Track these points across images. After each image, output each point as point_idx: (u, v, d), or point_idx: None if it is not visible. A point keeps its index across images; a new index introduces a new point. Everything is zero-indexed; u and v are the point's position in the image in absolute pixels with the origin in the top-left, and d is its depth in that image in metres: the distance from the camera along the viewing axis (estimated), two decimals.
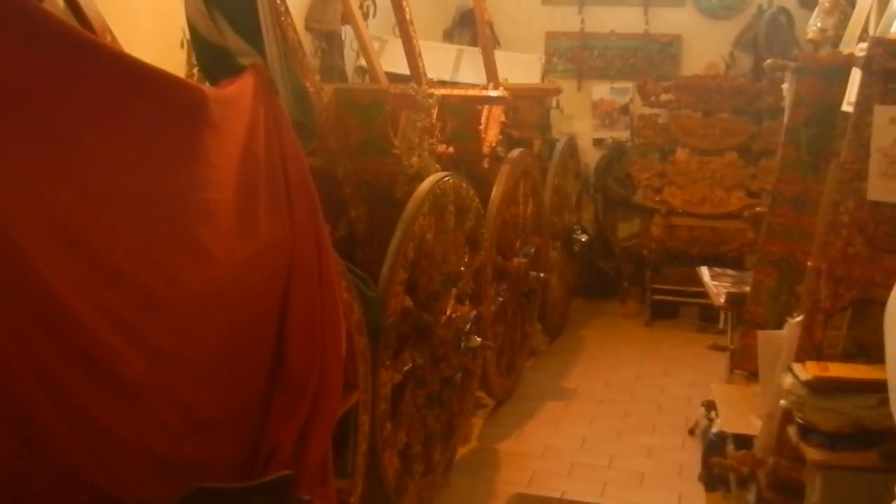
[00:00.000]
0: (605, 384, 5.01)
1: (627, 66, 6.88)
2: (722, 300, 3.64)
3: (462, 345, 3.40)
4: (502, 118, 4.74)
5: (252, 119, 2.13)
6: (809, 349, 2.44)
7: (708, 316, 6.37)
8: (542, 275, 4.83)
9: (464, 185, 3.59)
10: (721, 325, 6.22)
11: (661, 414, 4.59)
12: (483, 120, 4.66)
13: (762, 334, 2.79)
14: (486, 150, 4.56)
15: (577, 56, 6.93)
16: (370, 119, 3.29)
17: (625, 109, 6.94)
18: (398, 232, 3.00)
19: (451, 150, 4.20)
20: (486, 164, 4.55)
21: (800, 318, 2.49)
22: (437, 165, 3.86)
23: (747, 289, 3.77)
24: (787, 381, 2.32)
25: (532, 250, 4.90)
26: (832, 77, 3.13)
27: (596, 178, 7.02)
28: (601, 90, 6.95)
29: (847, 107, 2.81)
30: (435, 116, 4.10)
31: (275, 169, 2.17)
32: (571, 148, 6.11)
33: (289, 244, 2.14)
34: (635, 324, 6.38)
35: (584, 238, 5.94)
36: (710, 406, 3.55)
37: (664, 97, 6.35)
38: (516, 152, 4.67)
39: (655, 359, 5.53)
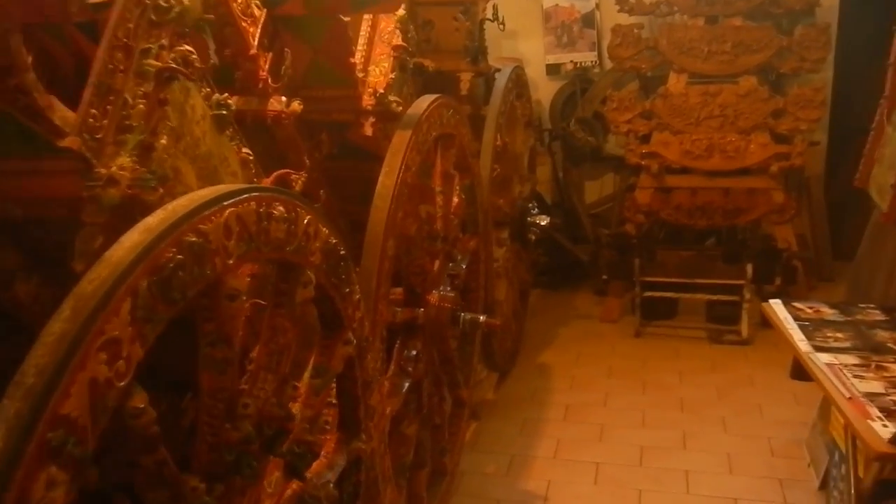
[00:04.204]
0: (592, 478, 3.04)
1: None
2: (886, 439, 1.63)
3: None
4: (397, 40, 2.61)
5: None
6: None
7: (718, 315, 4.48)
8: (482, 318, 2.78)
9: (280, 204, 1.47)
10: (744, 332, 4.33)
11: None
12: (361, 44, 2.55)
13: None
14: (367, 100, 2.47)
15: None
16: None
17: (589, 20, 4.85)
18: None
19: (296, 105, 2.13)
20: (368, 129, 2.46)
21: None
22: (246, 152, 1.78)
23: None
24: None
25: (464, 265, 2.86)
26: None
27: (552, 122, 4.97)
28: None
29: None
30: (255, 41, 2.03)
31: None
32: (519, 83, 3.92)
33: None
34: (620, 332, 4.46)
35: (543, 222, 3.88)
36: None
37: None
38: (425, 102, 2.51)
39: (662, 407, 3.59)
